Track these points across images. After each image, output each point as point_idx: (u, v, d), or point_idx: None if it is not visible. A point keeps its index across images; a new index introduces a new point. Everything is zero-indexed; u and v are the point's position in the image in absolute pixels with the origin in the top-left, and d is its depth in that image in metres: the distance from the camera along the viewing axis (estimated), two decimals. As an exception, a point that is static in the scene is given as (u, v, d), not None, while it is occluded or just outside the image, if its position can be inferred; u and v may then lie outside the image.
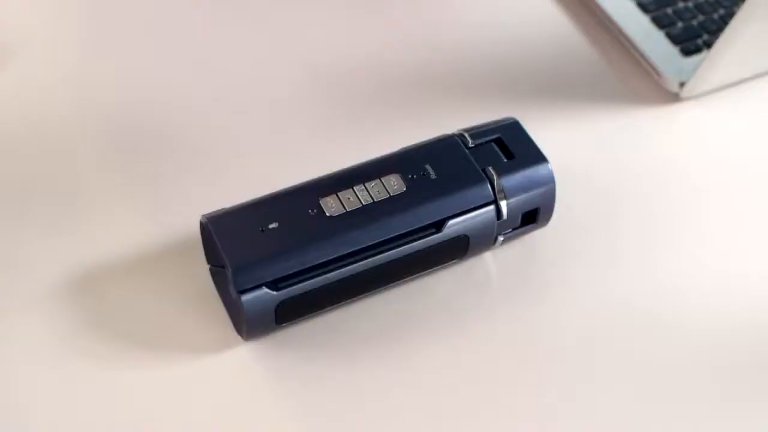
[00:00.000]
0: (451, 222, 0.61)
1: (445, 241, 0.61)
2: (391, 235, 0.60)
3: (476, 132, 0.64)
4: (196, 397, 0.59)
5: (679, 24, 0.78)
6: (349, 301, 0.62)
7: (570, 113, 0.74)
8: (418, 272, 0.63)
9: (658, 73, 0.75)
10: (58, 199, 0.67)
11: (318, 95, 0.74)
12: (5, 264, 0.64)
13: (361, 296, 0.62)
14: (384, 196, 0.61)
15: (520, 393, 0.60)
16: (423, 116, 0.72)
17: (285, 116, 0.73)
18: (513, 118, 0.65)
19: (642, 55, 0.76)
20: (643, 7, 0.79)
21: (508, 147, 0.64)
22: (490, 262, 0.66)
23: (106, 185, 0.68)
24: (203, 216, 0.60)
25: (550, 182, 0.63)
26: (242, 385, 0.60)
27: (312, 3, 0.81)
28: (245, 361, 0.60)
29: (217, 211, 0.60)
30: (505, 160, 0.63)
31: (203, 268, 0.63)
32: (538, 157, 0.63)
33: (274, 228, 0.59)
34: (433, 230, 0.61)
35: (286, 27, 0.79)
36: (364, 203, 0.60)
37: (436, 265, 0.64)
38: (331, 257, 0.59)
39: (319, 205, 0.60)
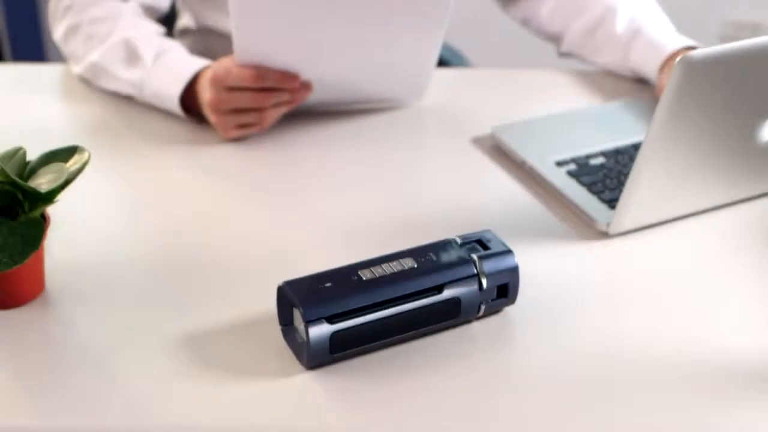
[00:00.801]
0: (447, 287, 0.90)
1: (443, 300, 0.90)
2: (406, 293, 0.89)
3: (464, 236, 0.95)
4: (277, 405, 0.86)
5: (607, 192, 1.11)
6: (383, 341, 0.90)
7: (531, 245, 1.04)
8: (427, 325, 0.92)
9: (592, 220, 1.07)
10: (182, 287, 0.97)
11: (337, 239, 1.05)
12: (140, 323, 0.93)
13: (392, 338, 0.90)
14: (401, 269, 0.90)
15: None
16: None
17: (321, 248, 1.04)
18: (489, 230, 0.96)
19: (582, 210, 1.08)
20: (581, 182, 1.13)
21: (486, 245, 0.94)
22: (476, 326, 0.94)
23: (207, 282, 0.99)
24: (282, 282, 0.90)
25: (514, 266, 0.93)
26: (307, 398, 0.86)
27: (338, 183, 1.15)
28: (309, 383, 0.87)
29: (290, 280, 0.90)
30: (483, 252, 0.93)
31: (277, 329, 0.91)
32: (506, 250, 0.94)
33: (329, 286, 0.88)
34: (435, 292, 0.90)
35: (315, 192, 1.12)
36: (388, 273, 0.90)
37: (439, 320, 0.92)
38: (366, 304, 0.88)
39: (358, 274, 0.90)
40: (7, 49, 2.57)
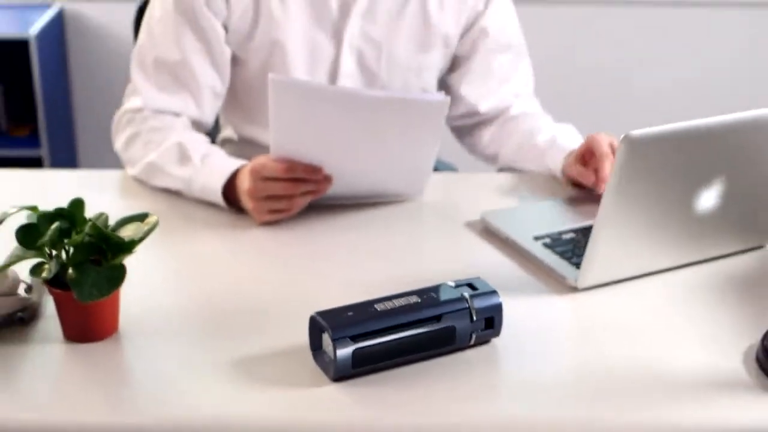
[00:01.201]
0: (444, 318, 1.14)
1: (441, 328, 1.13)
2: (411, 320, 1.12)
3: (457, 281, 1.19)
4: (311, 409, 1.08)
5: (575, 258, 1.35)
6: (394, 361, 1.12)
7: (514, 297, 1.28)
8: (430, 349, 1.14)
9: (563, 277, 1.31)
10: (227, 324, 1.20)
11: (352, 296, 1.29)
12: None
13: (402, 358, 1.12)
14: (408, 303, 1.14)
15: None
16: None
17: (338, 303, 1.27)
18: (478, 276, 1.20)
19: (555, 271, 1.33)
20: (554, 251, 1.37)
21: (475, 287, 1.18)
22: (468, 353, 1.17)
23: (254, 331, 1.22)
24: (313, 313, 1.13)
25: (499, 303, 1.17)
26: (334, 403, 1.08)
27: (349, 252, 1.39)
28: (335, 392, 1.10)
29: (320, 311, 1.13)
30: (473, 291, 1.17)
31: (307, 355, 1.14)
32: (492, 291, 1.17)
33: (351, 314, 1.12)
34: (435, 321, 1.13)
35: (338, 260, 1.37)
36: (397, 306, 1.14)
37: (438, 346, 1.15)
38: (381, 327, 1.11)
39: (374, 306, 1.13)
40: (46, 158, 2.87)
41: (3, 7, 3.03)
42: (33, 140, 2.89)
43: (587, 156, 1.55)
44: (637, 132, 1.19)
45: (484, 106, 1.76)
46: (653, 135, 1.20)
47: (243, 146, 1.74)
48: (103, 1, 3.05)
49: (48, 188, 1.69)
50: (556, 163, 1.62)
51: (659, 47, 3.16)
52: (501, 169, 1.77)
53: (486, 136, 1.78)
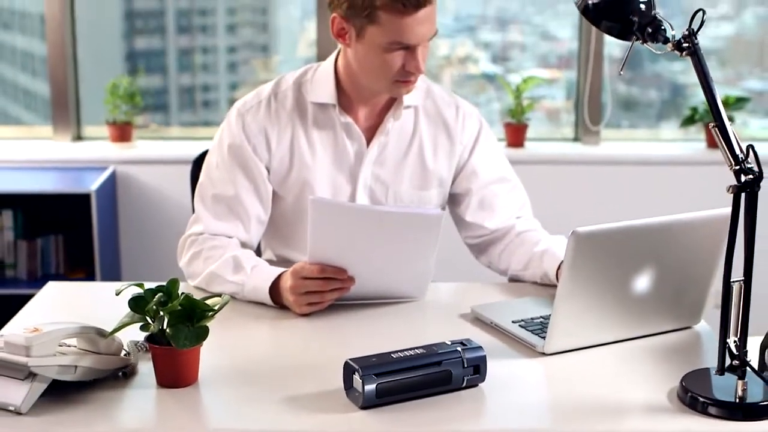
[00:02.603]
0: (443, 363, 1.54)
1: (441, 371, 1.54)
2: (419, 364, 1.53)
3: (453, 340, 1.60)
4: (346, 428, 1.47)
5: (544, 334, 1.76)
6: (406, 395, 1.52)
7: (496, 360, 1.67)
8: (432, 387, 1.53)
9: (534, 345, 1.72)
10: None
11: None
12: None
13: (412, 393, 1.52)
14: (416, 353, 1.55)
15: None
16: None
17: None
18: (468, 338, 1.61)
19: (528, 342, 1.73)
20: (527, 330, 1.78)
21: (465, 344, 1.58)
22: (462, 393, 1.56)
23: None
24: (347, 359, 1.53)
25: (484, 355, 1.57)
26: (362, 425, 1.48)
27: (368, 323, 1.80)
28: (363, 417, 1.49)
29: (351, 357, 1.54)
30: (465, 346, 1.58)
31: (341, 393, 1.54)
32: (479, 347, 1.58)
33: (374, 360, 1.52)
34: (436, 366, 1.54)
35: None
36: (409, 355, 1.54)
37: (438, 385, 1.54)
38: (397, 368, 1.51)
39: (392, 355, 1.54)
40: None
41: (67, 168, 3.55)
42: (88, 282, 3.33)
43: None
44: (582, 229, 1.62)
45: (491, 225, 2.17)
46: (596, 231, 1.63)
47: (280, 265, 2.17)
48: (146, 164, 3.57)
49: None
50: (551, 269, 2.02)
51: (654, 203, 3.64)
52: (511, 279, 2.16)
53: (496, 253, 2.17)
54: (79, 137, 3.78)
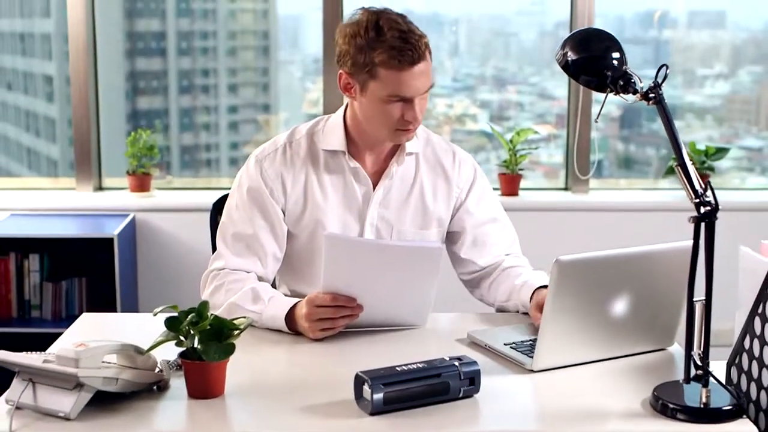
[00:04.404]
0: (442, 375, 1.74)
1: (440, 382, 1.74)
2: (421, 376, 1.73)
3: (450, 356, 1.80)
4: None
5: (531, 354, 1.96)
6: (410, 403, 1.72)
7: (490, 375, 1.88)
8: (432, 396, 1.73)
9: (523, 363, 1.92)
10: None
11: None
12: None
13: (415, 402, 1.72)
14: (419, 366, 1.75)
15: (470, 422, 1.69)
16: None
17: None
18: (464, 354, 1.81)
19: (518, 360, 1.94)
20: (518, 351, 1.98)
21: (462, 359, 1.79)
22: (458, 403, 1.76)
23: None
24: (358, 371, 1.73)
25: (478, 369, 1.77)
26: (371, 427, 1.68)
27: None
28: (372, 421, 1.69)
29: (362, 370, 1.74)
30: (461, 361, 1.78)
31: (352, 402, 1.74)
32: (474, 361, 1.78)
33: (382, 372, 1.73)
34: (436, 377, 1.74)
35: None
36: (412, 368, 1.75)
37: (438, 395, 1.74)
38: (402, 379, 1.71)
39: (397, 368, 1.74)
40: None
41: (90, 215, 3.79)
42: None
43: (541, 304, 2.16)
44: (565, 257, 1.83)
45: (482, 262, 2.39)
46: (577, 260, 1.85)
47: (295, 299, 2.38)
48: (163, 212, 3.81)
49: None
50: (527, 298, 2.23)
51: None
52: (498, 310, 2.37)
53: (486, 287, 2.39)
54: (100, 188, 4.02)
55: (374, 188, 2.33)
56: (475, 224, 2.40)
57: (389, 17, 2.19)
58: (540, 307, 2.12)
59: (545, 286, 2.17)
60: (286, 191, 2.31)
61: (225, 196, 2.45)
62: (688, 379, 1.72)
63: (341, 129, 2.32)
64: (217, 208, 2.53)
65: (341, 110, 2.35)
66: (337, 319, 2.09)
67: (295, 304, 2.14)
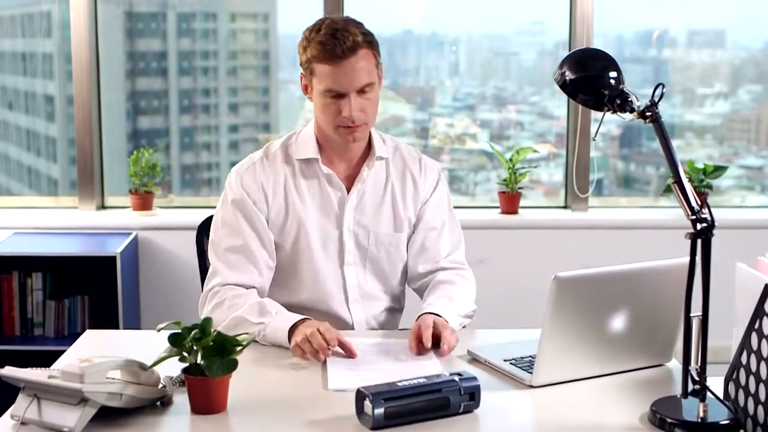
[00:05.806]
0: (442, 390, 1.76)
1: (440, 397, 1.76)
2: (421, 391, 1.75)
3: (451, 371, 1.82)
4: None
5: (530, 370, 1.98)
6: (410, 418, 1.74)
7: (490, 391, 1.90)
8: (432, 411, 1.75)
9: (522, 379, 1.94)
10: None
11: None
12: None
13: (415, 417, 1.74)
14: (419, 383, 1.77)
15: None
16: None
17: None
18: (464, 370, 1.83)
19: (517, 376, 1.96)
20: (517, 366, 2.00)
21: (462, 375, 1.81)
22: (458, 418, 1.78)
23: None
24: (359, 387, 1.75)
25: (478, 384, 1.79)
26: (371, 442, 1.70)
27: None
28: (372, 436, 1.72)
29: (362, 386, 1.76)
30: (461, 377, 1.80)
31: (353, 417, 1.76)
32: (474, 377, 1.80)
33: (384, 388, 1.75)
34: (437, 393, 1.76)
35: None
36: (413, 384, 1.76)
37: (438, 410, 1.76)
38: (402, 395, 1.73)
39: (398, 384, 1.76)
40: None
41: (93, 233, 3.82)
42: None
43: (420, 329, 2.16)
44: (563, 274, 1.85)
45: (422, 269, 2.43)
46: (575, 276, 1.87)
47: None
48: (165, 230, 3.83)
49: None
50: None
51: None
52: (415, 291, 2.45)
53: (424, 297, 2.42)
54: (103, 206, 4.05)
55: (348, 193, 2.38)
56: (425, 227, 2.45)
57: (333, 19, 2.30)
58: (416, 334, 2.16)
59: (434, 313, 2.23)
60: (268, 201, 2.36)
61: (210, 217, 2.48)
62: (685, 394, 1.74)
63: (313, 138, 2.39)
64: (203, 230, 2.58)
65: (312, 121, 2.41)
66: (320, 354, 2.08)
67: (304, 319, 2.16)
